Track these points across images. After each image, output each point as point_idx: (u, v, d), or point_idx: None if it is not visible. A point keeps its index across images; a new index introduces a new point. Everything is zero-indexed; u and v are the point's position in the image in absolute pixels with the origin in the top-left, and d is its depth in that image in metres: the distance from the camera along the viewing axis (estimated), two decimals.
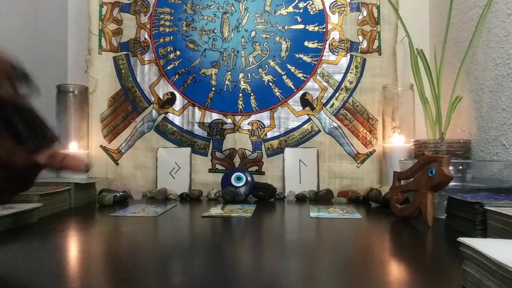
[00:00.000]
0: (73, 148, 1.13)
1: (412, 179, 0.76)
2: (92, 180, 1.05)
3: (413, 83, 1.07)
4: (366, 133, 1.16)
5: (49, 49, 1.22)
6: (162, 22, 1.22)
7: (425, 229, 0.68)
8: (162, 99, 1.21)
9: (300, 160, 1.15)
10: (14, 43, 1.06)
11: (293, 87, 1.19)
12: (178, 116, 1.21)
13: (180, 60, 1.21)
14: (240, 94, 1.19)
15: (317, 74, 1.19)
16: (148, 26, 1.21)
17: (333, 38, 1.19)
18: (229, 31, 1.21)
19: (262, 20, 1.20)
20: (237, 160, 1.18)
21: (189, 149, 1.18)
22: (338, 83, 1.18)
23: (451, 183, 0.69)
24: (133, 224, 0.73)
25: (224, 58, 1.20)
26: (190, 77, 1.21)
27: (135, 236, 0.66)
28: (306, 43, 1.19)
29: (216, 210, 0.88)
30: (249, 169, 1.15)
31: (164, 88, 1.21)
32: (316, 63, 1.19)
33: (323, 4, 1.19)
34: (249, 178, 1.07)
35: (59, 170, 0.49)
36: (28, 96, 0.47)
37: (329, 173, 1.16)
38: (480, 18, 0.93)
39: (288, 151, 1.16)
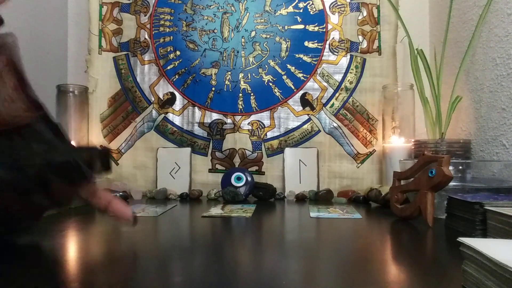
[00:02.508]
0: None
1: (412, 179, 0.76)
2: None
3: (413, 83, 1.07)
4: (366, 133, 1.16)
5: (49, 49, 1.22)
6: (162, 22, 1.22)
7: (425, 229, 0.68)
8: (162, 99, 1.21)
9: (300, 160, 1.15)
10: None
11: (293, 87, 1.19)
12: (178, 116, 1.21)
13: (180, 60, 1.21)
14: (240, 94, 1.19)
15: (317, 74, 1.19)
16: (148, 26, 1.21)
17: (333, 38, 1.19)
18: (229, 31, 1.21)
19: (262, 20, 1.20)
20: (237, 160, 1.18)
21: (189, 149, 1.18)
22: (338, 83, 1.18)
23: (451, 183, 0.69)
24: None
25: (224, 58, 1.20)
26: (190, 77, 1.21)
27: (135, 236, 0.66)
28: (306, 43, 1.19)
29: (216, 210, 0.88)
30: (249, 169, 1.15)
31: (164, 88, 1.21)
32: (316, 63, 1.19)
33: (323, 4, 1.19)
34: (249, 178, 1.07)
35: (103, 212, 0.55)
36: None
37: (329, 173, 1.16)
38: (480, 18, 0.93)
39: (288, 151, 1.16)
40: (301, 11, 1.20)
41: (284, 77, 1.19)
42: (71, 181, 0.52)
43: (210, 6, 1.21)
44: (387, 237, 0.67)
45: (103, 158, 0.58)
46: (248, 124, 1.19)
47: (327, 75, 1.19)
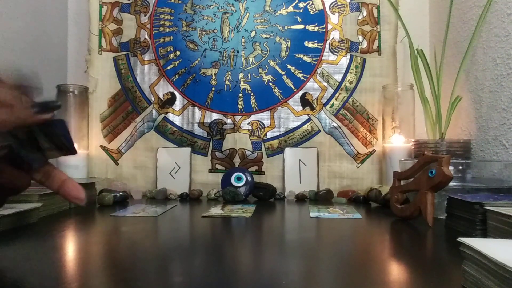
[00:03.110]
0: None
1: (412, 179, 0.76)
2: (92, 180, 1.05)
3: (413, 83, 1.07)
4: (366, 133, 1.16)
5: (49, 49, 1.22)
6: (162, 22, 1.22)
7: (425, 229, 0.68)
8: (162, 99, 1.21)
9: (300, 160, 1.15)
10: (14, 43, 1.06)
11: (293, 87, 1.19)
12: (178, 116, 1.21)
13: (180, 60, 1.21)
14: (240, 94, 1.19)
15: (317, 74, 1.19)
16: (148, 26, 1.21)
17: (333, 38, 1.19)
18: (229, 31, 1.21)
19: (262, 20, 1.20)
20: (237, 160, 1.18)
21: (189, 149, 1.18)
22: (338, 83, 1.18)
23: (451, 183, 0.69)
24: (133, 224, 0.73)
25: (224, 58, 1.20)
26: (190, 77, 1.21)
27: (135, 236, 0.66)
28: (306, 43, 1.19)
29: (216, 210, 0.88)
30: (249, 169, 1.15)
31: (164, 88, 1.21)
32: (316, 63, 1.19)
33: (323, 4, 1.19)
34: (249, 178, 1.07)
35: (55, 192, 0.47)
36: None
37: (329, 173, 1.16)
38: (480, 18, 0.93)
39: (288, 151, 1.16)
40: (301, 11, 1.20)
41: (284, 77, 1.19)
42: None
43: (210, 6, 1.21)
44: (387, 237, 0.67)
45: (51, 129, 0.43)
46: (248, 124, 1.19)
47: (327, 75, 1.19)
